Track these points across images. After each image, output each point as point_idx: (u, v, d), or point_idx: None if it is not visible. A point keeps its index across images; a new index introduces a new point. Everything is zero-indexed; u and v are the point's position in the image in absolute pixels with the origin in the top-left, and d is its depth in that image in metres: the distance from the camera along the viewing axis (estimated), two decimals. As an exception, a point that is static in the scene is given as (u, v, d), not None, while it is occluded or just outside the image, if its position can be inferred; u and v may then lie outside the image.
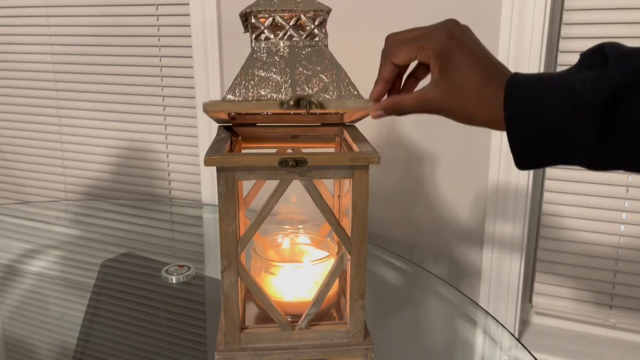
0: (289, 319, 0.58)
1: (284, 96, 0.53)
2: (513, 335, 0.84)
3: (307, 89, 0.53)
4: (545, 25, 0.96)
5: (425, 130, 1.10)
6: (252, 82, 0.53)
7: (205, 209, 1.35)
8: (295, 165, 0.52)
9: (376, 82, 0.53)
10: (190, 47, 1.27)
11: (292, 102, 0.51)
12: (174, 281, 0.95)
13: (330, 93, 0.54)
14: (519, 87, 0.44)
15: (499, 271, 1.08)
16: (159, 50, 1.35)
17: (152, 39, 1.34)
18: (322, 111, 0.53)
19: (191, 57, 1.27)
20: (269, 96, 0.53)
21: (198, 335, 0.87)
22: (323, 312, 0.62)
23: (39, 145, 1.55)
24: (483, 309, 0.89)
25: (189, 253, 1.18)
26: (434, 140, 1.10)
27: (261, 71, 0.54)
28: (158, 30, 1.33)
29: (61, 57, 1.46)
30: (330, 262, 0.61)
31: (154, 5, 1.32)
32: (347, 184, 0.61)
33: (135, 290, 1.00)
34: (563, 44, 1.00)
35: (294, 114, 0.54)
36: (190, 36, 1.26)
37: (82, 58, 1.43)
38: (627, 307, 1.05)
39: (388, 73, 0.52)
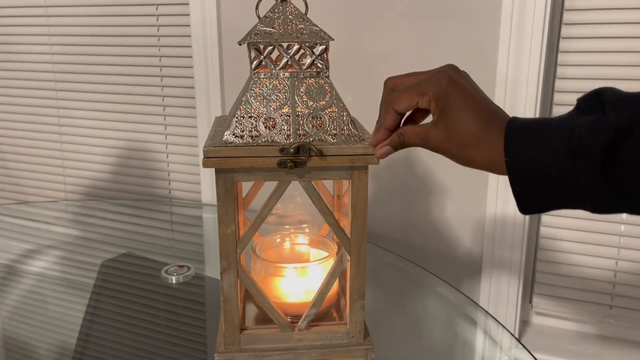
0: (289, 320, 0.58)
1: (284, 138, 0.53)
2: (513, 335, 0.84)
3: (307, 129, 0.53)
4: (545, 25, 0.96)
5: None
6: (252, 121, 0.53)
7: (205, 209, 1.35)
8: (294, 167, 0.52)
9: (377, 129, 0.53)
10: (190, 47, 1.27)
11: (292, 150, 0.51)
12: (174, 281, 0.95)
13: (331, 133, 0.54)
14: (518, 132, 0.45)
15: (499, 271, 1.08)
16: (159, 50, 1.35)
17: (152, 39, 1.34)
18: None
19: (191, 57, 1.27)
20: (269, 138, 0.53)
21: (198, 336, 0.87)
22: (323, 312, 0.62)
23: (39, 145, 1.55)
24: (483, 309, 0.89)
25: (188, 253, 1.19)
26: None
27: (261, 106, 0.53)
28: (158, 30, 1.33)
29: (61, 57, 1.46)
30: (330, 263, 0.61)
31: (154, 5, 1.31)
32: (346, 184, 0.61)
33: (135, 290, 1.00)
34: (563, 44, 1.00)
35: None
36: (190, 36, 1.26)
37: (82, 58, 1.43)
38: (627, 307, 1.05)
39: (391, 122, 0.52)
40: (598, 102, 0.42)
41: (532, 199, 0.45)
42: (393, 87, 0.52)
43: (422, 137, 0.50)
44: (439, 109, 0.48)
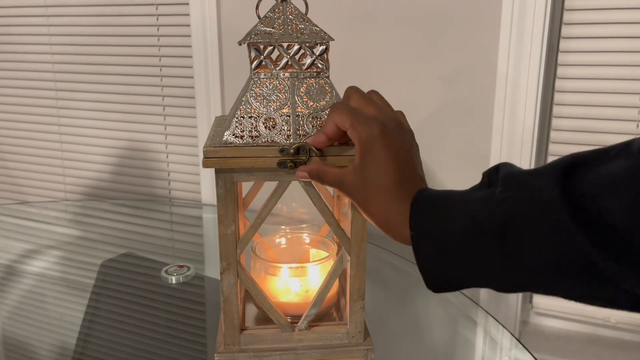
0: (289, 320, 0.58)
1: (284, 138, 0.53)
2: (513, 335, 0.84)
3: (307, 130, 0.53)
4: (546, 25, 0.96)
5: (425, 131, 1.10)
6: (252, 121, 0.53)
7: (205, 209, 1.35)
8: (293, 167, 0.52)
9: (318, 133, 0.52)
10: (190, 46, 1.27)
11: (292, 150, 0.51)
12: (174, 281, 0.95)
13: None
14: (423, 205, 0.44)
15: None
16: (159, 50, 1.34)
17: (152, 39, 1.34)
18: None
19: (191, 57, 1.27)
20: (269, 138, 0.53)
21: (198, 336, 0.87)
22: (323, 313, 0.62)
23: (39, 145, 1.55)
24: (483, 309, 0.89)
25: (188, 253, 1.19)
26: (434, 141, 1.10)
27: (261, 107, 0.53)
28: (158, 30, 1.33)
29: (61, 57, 1.46)
30: (330, 263, 0.61)
31: (153, 5, 1.31)
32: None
33: (135, 290, 1.00)
34: (563, 44, 1.00)
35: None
36: (190, 36, 1.26)
37: (82, 58, 1.43)
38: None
39: (329, 130, 0.50)
40: (496, 176, 0.41)
41: (439, 276, 0.43)
42: (350, 96, 0.51)
43: (337, 179, 0.49)
44: (361, 154, 0.47)
